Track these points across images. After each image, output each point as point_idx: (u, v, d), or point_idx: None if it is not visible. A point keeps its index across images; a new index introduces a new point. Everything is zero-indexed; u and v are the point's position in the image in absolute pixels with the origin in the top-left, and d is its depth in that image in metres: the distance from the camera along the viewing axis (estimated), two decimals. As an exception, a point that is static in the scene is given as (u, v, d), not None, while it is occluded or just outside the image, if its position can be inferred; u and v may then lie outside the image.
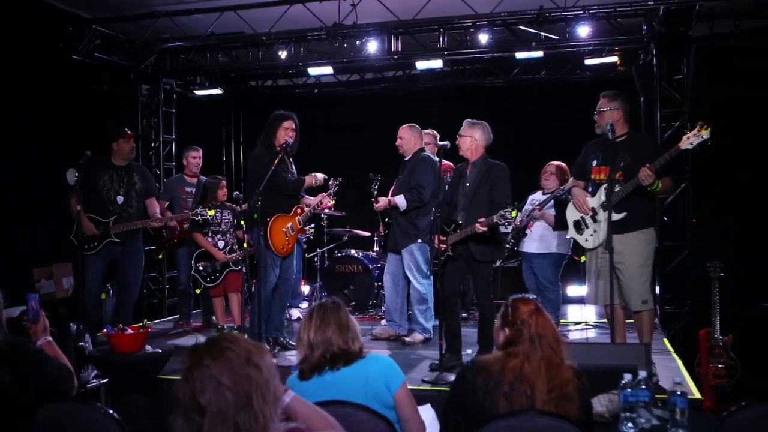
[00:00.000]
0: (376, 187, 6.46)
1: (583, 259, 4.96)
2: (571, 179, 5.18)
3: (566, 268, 6.64)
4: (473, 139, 5.23)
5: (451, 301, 5.26)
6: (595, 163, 4.88)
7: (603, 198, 4.70)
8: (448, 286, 5.20)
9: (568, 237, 5.15)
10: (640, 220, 4.74)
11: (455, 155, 5.46)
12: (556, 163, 6.58)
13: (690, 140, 4.42)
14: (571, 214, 5.04)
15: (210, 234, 6.30)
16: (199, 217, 6.13)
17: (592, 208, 4.81)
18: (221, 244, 6.28)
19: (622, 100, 4.88)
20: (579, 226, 4.95)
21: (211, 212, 6.15)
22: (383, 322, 6.80)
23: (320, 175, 5.96)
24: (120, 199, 6.22)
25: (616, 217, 4.61)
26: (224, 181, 6.45)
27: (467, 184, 5.21)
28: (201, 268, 6.25)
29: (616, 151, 4.63)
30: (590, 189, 4.94)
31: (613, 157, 4.60)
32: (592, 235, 4.85)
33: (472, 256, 5.09)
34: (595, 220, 4.81)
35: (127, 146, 6.29)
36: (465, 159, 5.33)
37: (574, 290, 8.77)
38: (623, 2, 6.57)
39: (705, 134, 4.39)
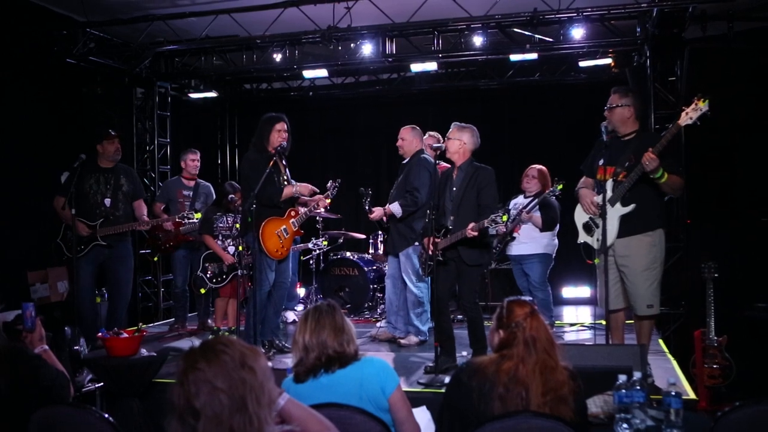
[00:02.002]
0: (368, 200, 6.47)
1: (597, 261, 4.75)
2: (583, 178, 5.03)
3: (562, 270, 6.68)
4: (462, 142, 5.23)
5: (443, 303, 5.27)
6: (601, 162, 4.70)
7: (609, 194, 4.56)
8: (440, 289, 5.20)
9: (579, 241, 4.95)
10: (646, 222, 4.63)
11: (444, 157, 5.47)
12: (537, 166, 6.65)
13: (689, 115, 4.32)
14: (580, 218, 4.89)
15: (221, 238, 6.32)
16: (186, 220, 6.14)
17: (599, 205, 4.62)
18: (231, 249, 6.29)
19: (633, 97, 4.74)
20: (589, 228, 4.81)
21: (198, 215, 6.16)
22: (379, 324, 6.82)
23: (305, 189, 5.83)
24: (107, 201, 6.19)
25: (624, 210, 4.55)
26: None
27: (454, 189, 5.21)
28: (208, 268, 6.29)
29: (622, 150, 4.57)
30: (596, 189, 4.82)
31: (619, 157, 4.54)
32: None
33: (461, 260, 5.10)
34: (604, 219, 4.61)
35: (112, 147, 6.23)
36: (451, 161, 5.33)
37: (569, 291, 8.80)
38: (617, 4, 6.57)
39: (703, 107, 4.29)
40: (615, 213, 4.58)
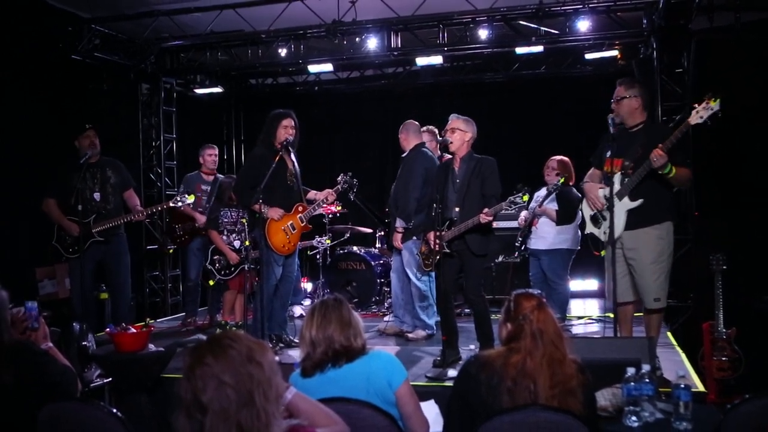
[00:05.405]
0: (354, 190, 6.40)
1: (602, 253, 4.74)
2: (591, 171, 5.02)
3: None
4: (468, 134, 5.21)
5: (448, 297, 5.25)
6: (608, 154, 4.68)
7: (617, 187, 4.53)
8: (445, 282, 5.18)
9: (587, 232, 4.93)
10: (653, 215, 4.59)
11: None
12: (558, 157, 6.56)
13: (699, 114, 4.26)
14: (588, 209, 4.88)
15: (226, 233, 6.33)
16: (180, 203, 6.18)
17: (606, 198, 4.60)
18: (237, 243, 6.31)
19: (640, 87, 4.73)
20: (596, 219, 4.78)
21: (191, 197, 6.19)
22: (386, 318, 6.82)
23: (275, 213, 5.63)
24: (97, 196, 6.18)
25: (632, 205, 4.52)
26: None
27: (457, 181, 5.18)
28: (216, 260, 6.35)
29: (629, 141, 4.55)
30: (603, 181, 4.78)
31: (626, 149, 4.52)
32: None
33: (468, 250, 5.07)
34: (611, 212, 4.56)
35: (86, 142, 6.14)
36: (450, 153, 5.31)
37: (576, 285, 8.76)
38: (623, -4, 6.56)
39: (714, 106, 4.23)
40: (622, 207, 4.54)
